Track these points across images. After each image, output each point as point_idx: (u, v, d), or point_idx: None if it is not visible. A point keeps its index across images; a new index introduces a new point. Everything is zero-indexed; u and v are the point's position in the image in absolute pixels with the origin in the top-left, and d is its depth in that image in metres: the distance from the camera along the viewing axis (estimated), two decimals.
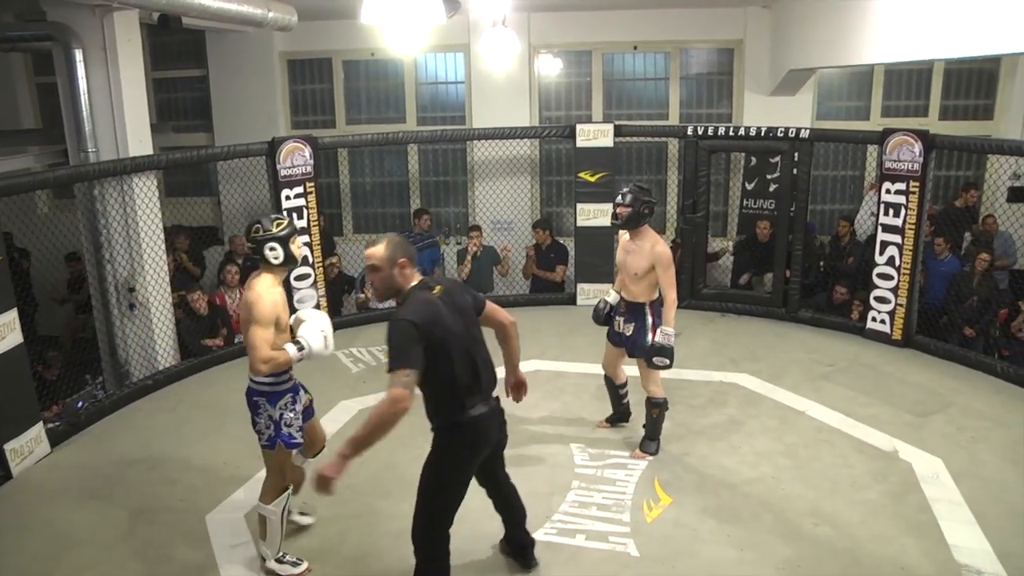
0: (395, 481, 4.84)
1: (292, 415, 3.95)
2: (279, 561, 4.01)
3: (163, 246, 6.66)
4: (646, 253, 4.89)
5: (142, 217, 6.36)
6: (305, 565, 4.05)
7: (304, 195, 7.18)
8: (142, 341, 6.55)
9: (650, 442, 5.16)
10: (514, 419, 5.67)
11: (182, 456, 5.32)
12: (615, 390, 5.44)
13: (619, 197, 4.92)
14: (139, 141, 6.38)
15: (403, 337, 3.20)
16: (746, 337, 7.30)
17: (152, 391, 6.37)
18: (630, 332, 5.04)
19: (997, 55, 8.31)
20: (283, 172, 7.03)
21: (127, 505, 4.72)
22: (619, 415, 5.52)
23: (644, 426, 5.21)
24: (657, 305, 4.99)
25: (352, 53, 9.27)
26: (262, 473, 4.48)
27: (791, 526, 4.41)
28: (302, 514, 4.44)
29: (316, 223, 7.31)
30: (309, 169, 7.19)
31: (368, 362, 6.85)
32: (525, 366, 6.56)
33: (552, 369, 6.58)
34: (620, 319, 5.13)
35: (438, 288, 3.43)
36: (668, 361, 4.85)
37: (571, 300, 8.28)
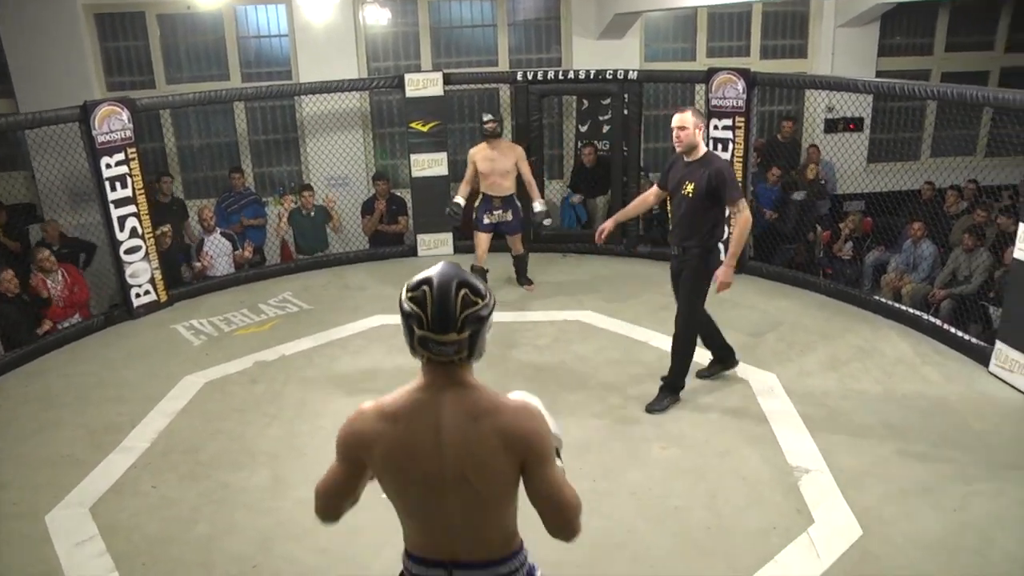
0: (244, 453, 4.64)
1: None
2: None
3: None
4: (509, 153, 6.68)
5: None
6: None
7: (126, 162, 6.60)
8: None
9: (524, 277, 7.15)
10: (360, 376, 5.62)
11: (14, 456, 4.77)
12: (483, 275, 6.42)
13: (487, 116, 6.67)
14: None
15: (733, 174, 4.65)
16: (588, 275, 7.39)
17: None
18: (510, 217, 6.82)
19: None
20: (100, 139, 6.41)
21: None
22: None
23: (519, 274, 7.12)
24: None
25: (166, 6, 8.57)
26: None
27: (641, 452, 4.50)
28: None
29: (141, 191, 6.76)
30: (129, 134, 6.61)
31: (210, 333, 6.45)
32: (368, 322, 6.53)
33: (397, 322, 6.36)
34: (498, 212, 6.78)
35: None
36: (551, 219, 6.98)
37: (412, 252, 8.15)
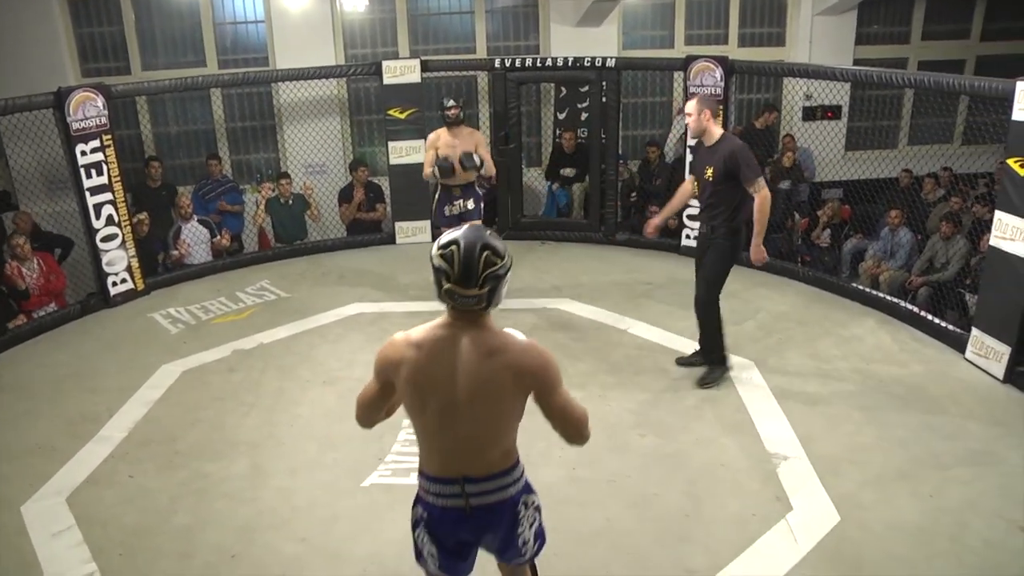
0: (223, 442, 4.60)
1: None
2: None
3: None
4: (469, 139, 6.39)
5: None
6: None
7: (101, 149, 6.49)
8: None
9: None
10: (338, 363, 5.59)
11: None
12: None
13: (450, 101, 6.34)
14: None
15: (751, 156, 4.71)
16: (567, 263, 7.38)
17: None
18: (472, 205, 6.44)
19: None
20: (75, 125, 6.30)
21: None
22: None
23: None
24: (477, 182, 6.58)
25: None
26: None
27: (619, 440, 4.49)
28: None
29: (118, 179, 6.65)
30: (104, 120, 6.49)
31: (187, 321, 6.37)
32: (346, 310, 6.49)
33: (375, 311, 6.39)
34: (460, 201, 6.41)
35: None
36: (478, 160, 6.26)
37: (390, 240, 8.11)
